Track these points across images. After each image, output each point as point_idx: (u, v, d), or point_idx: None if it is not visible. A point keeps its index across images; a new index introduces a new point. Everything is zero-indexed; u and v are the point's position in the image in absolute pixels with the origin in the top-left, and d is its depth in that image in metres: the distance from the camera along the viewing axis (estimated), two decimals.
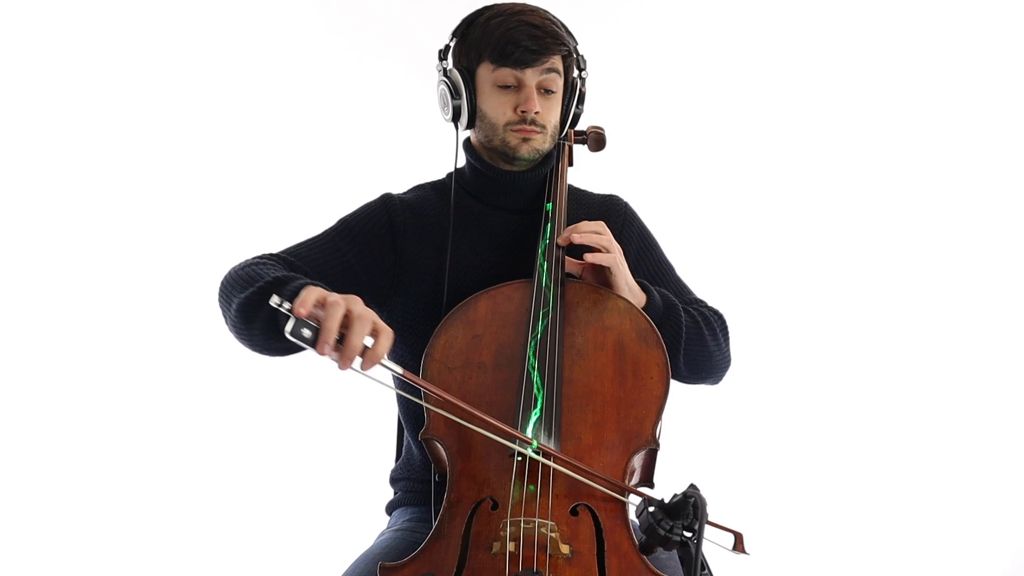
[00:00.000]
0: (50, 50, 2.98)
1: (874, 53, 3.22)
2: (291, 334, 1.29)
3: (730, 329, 1.79)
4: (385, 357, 1.34)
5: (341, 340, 1.31)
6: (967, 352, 3.18)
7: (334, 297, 1.33)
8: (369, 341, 1.33)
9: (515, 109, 1.68)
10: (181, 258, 2.98)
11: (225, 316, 1.57)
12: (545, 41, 1.66)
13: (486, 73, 1.69)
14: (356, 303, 1.33)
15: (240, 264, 1.60)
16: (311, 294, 1.33)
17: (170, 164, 3.04)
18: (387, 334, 1.34)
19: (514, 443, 1.40)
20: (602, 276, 1.64)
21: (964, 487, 3.14)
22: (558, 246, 1.65)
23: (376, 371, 1.35)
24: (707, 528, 1.33)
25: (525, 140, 1.69)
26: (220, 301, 1.58)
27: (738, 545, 1.40)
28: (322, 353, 1.30)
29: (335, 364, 1.31)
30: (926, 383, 3.16)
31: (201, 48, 3.08)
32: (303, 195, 3.01)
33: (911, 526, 3.11)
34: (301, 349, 1.39)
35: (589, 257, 1.61)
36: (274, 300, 1.30)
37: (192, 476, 2.99)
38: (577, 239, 1.62)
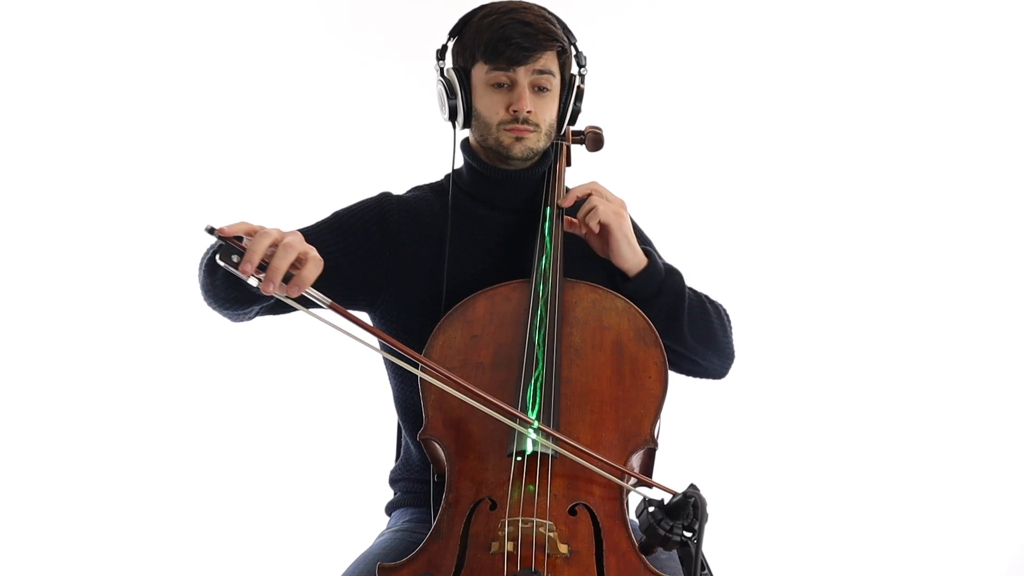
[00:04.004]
0: (50, 50, 2.97)
1: (874, 53, 3.21)
2: (220, 259, 1.31)
3: (732, 322, 1.80)
4: (311, 286, 1.35)
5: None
6: (967, 352, 3.17)
7: (267, 228, 1.34)
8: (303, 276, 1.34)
9: (508, 108, 1.68)
10: (179, 257, 2.96)
11: (199, 285, 1.58)
12: (537, 38, 1.65)
13: (480, 72, 1.69)
14: (290, 235, 1.35)
15: None
16: (241, 223, 1.34)
17: (169, 164, 3.04)
18: (314, 261, 1.35)
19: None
20: (603, 234, 1.65)
21: (964, 487, 3.14)
22: (558, 245, 1.65)
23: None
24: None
25: (518, 139, 1.69)
26: (197, 276, 1.59)
27: None
28: (246, 274, 1.30)
29: (258, 288, 1.32)
30: (926, 382, 3.16)
31: (200, 48, 3.07)
32: (302, 195, 2.99)
33: (911, 526, 3.11)
34: (257, 297, 1.43)
35: (588, 220, 1.63)
36: (206, 227, 1.31)
37: (192, 477, 2.99)
38: (577, 195, 1.67)
